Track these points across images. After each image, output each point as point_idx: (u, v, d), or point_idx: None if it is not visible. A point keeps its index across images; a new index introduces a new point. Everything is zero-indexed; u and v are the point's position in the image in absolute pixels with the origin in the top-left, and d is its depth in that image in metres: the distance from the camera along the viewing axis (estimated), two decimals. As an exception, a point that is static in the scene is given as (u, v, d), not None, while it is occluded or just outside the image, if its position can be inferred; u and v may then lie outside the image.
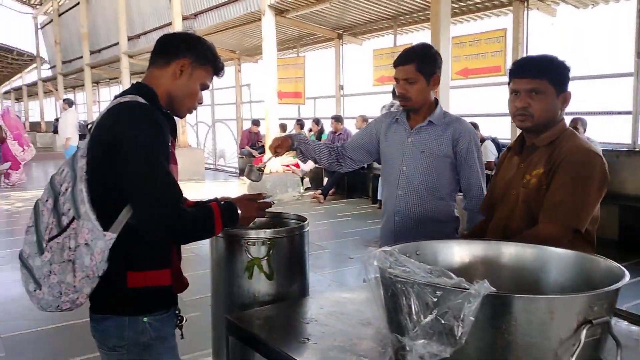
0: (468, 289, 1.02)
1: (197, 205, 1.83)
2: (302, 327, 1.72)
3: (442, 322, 1.03)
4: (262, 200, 1.93)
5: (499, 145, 8.07)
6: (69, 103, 14.10)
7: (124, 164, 1.56)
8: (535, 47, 8.31)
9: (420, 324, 1.06)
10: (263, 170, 2.46)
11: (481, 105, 9.52)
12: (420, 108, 2.46)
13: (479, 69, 8.57)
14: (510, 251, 1.46)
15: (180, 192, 1.63)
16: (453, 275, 1.11)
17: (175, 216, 1.57)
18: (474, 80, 8.88)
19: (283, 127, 12.54)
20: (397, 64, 2.43)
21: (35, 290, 1.61)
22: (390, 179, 2.53)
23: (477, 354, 1.06)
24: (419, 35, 10.85)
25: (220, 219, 1.70)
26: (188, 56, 1.75)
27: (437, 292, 1.05)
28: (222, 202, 1.79)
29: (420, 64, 2.37)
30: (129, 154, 1.56)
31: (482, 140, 8.25)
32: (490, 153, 7.88)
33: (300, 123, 12.42)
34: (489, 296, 1.03)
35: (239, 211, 1.78)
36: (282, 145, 2.45)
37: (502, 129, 8.80)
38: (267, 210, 1.96)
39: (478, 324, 1.03)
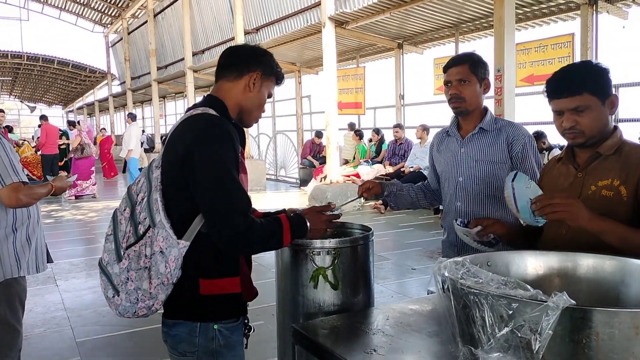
0: (546, 302, 0.98)
1: (266, 217, 1.85)
2: (368, 337, 1.71)
3: (519, 335, 0.99)
4: (330, 213, 1.94)
5: (567, 154, 7.76)
6: (133, 118, 14.77)
7: (196, 174, 1.61)
8: (605, 52, 7.98)
9: (495, 337, 1.03)
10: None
11: (548, 112, 9.19)
12: (472, 112, 2.41)
13: (546, 76, 8.23)
14: (588, 263, 1.39)
15: (250, 202, 1.66)
16: (529, 287, 1.07)
17: (245, 227, 1.60)
18: (540, 87, 8.59)
19: (352, 126, 12.56)
20: (449, 65, 2.40)
21: (113, 297, 1.67)
22: (448, 192, 2.49)
23: (556, 369, 1.02)
24: (481, 43, 10.66)
25: (290, 231, 1.72)
26: (259, 69, 1.81)
27: (513, 305, 1.02)
28: (292, 215, 1.81)
29: (474, 65, 2.36)
30: (201, 164, 1.61)
31: (550, 148, 7.98)
32: (558, 162, 7.59)
33: (359, 134, 12.42)
34: (568, 309, 0.99)
35: (308, 224, 1.80)
36: (372, 191, 2.44)
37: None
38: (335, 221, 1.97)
39: (556, 338, 0.99)
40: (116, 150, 25.04)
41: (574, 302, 0.99)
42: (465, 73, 2.35)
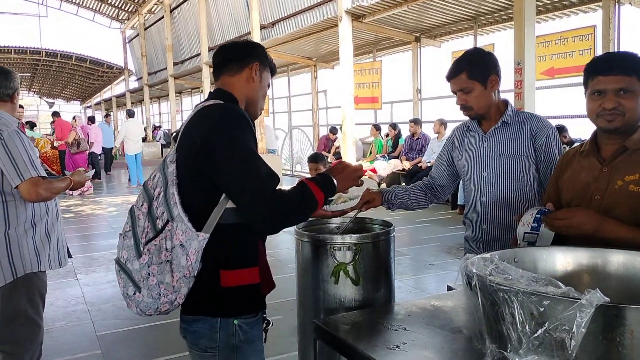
0: (579, 299, 0.95)
1: None
2: (390, 333, 1.69)
3: (551, 334, 0.97)
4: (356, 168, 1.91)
5: (588, 148, 7.65)
6: (130, 114, 14.93)
7: (219, 162, 1.61)
8: (627, 45, 7.84)
9: (526, 334, 1.00)
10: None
11: (569, 106, 9.08)
12: (487, 113, 2.37)
13: (567, 69, 8.18)
14: (618, 259, 1.36)
15: (279, 179, 1.66)
16: (560, 284, 1.05)
17: (277, 201, 1.59)
18: (560, 80, 8.49)
19: (377, 128, 12.48)
20: (448, 77, 2.37)
21: (134, 294, 1.67)
22: (472, 187, 2.45)
23: (588, 368, 1.00)
24: (500, 35, 10.53)
25: (318, 187, 1.70)
26: (257, 60, 1.86)
27: (544, 302, 1.00)
28: (314, 176, 1.79)
29: (471, 70, 2.29)
30: (223, 151, 1.61)
31: (571, 142, 7.87)
32: (578, 156, 7.49)
33: (377, 128, 12.37)
34: (602, 307, 0.96)
35: (334, 179, 1.78)
36: (372, 204, 2.37)
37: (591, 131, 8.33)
38: (352, 214, 1.95)
39: (589, 336, 0.97)
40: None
41: (607, 299, 0.97)
42: (463, 83, 2.30)
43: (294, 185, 1.72)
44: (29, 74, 35.53)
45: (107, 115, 18.37)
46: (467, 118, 2.48)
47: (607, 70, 1.73)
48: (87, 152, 13.00)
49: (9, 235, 2.51)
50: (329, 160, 12.66)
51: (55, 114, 14.44)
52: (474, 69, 2.29)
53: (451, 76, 2.34)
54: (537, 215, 1.72)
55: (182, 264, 1.61)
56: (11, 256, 2.51)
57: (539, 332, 1.01)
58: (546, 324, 0.97)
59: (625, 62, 1.73)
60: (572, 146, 7.57)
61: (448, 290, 2.48)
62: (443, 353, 1.49)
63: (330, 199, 1.99)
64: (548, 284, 1.06)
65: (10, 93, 2.59)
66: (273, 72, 1.97)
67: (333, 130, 13.39)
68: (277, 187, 1.64)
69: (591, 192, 1.81)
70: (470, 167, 2.45)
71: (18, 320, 2.58)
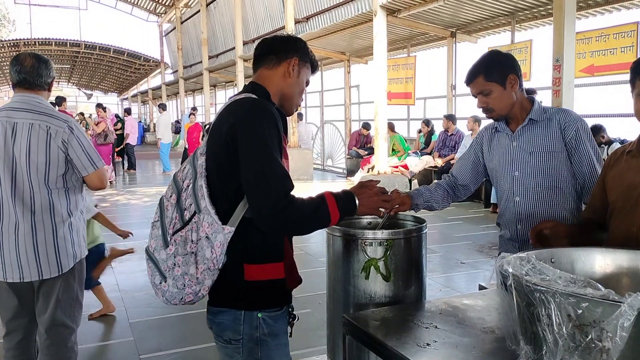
0: (620, 302, 0.92)
1: None
2: (420, 331, 1.68)
3: (590, 337, 0.94)
4: (383, 193, 1.90)
5: (628, 148, 7.43)
6: (163, 107, 15.06)
7: (239, 153, 1.61)
8: (673, 41, 7.56)
9: (563, 337, 0.98)
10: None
11: (610, 105, 8.84)
12: (510, 113, 2.32)
13: (607, 66, 7.95)
14: (660, 263, 1.32)
15: (292, 185, 1.64)
16: (600, 286, 1.02)
17: (284, 204, 1.57)
18: (601, 78, 8.26)
19: (391, 126, 12.39)
20: (467, 82, 2.34)
21: (160, 283, 1.69)
22: (504, 188, 2.41)
23: (628, 374, 0.97)
24: (539, 32, 10.30)
25: (337, 206, 1.67)
26: (296, 55, 1.84)
27: (582, 304, 0.97)
28: (338, 191, 1.76)
29: (487, 73, 2.26)
30: (243, 140, 1.61)
31: (609, 142, 7.66)
32: (618, 156, 7.28)
33: (390, 125, 12.17)
34: (643, 311, 0.93)
35: (357, 200, 1.75)
36: (403, 207, 2.30)
37: (634, 130, 8.09)
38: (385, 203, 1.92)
39: (630, 340, 0.94)
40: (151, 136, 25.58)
41: (650, 303, 0.93)
42: (482, 85, 2.27)
43: (315, 195, 1.69)
44: (69, 66, 36.37)
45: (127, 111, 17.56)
46: None
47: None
48: (111, 144, 13.10)
49: (71, 222, 2.59)
50: (360, 155, 12.62)
51: (100, 106, 14.61)
52: (491, 71, 2.26)
53: (469, 80, 2.32)
54: None
55: (206, 256, 1.62)
56: (73, 243, 2.60)
57: (574, 333, 0.98)
58: (585, 327, 0.94)
59: None
60: (610, 146, 7.31)
61: (480, 289, 2.45)
62: (475, 353, 1.47)
63: None
64: (587, 285, 1.03)
65: (50, 82, 2.66)
66: (314, 70, 1.94)
67: (366, 126, 13.34)
68: (298, 196, 1.62)
69: (637, 192, 1.76)
70: (501, 168, 2.41)
71: (74, 303, 2.69)
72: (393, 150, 12.00)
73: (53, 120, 2.50)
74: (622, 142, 7.61)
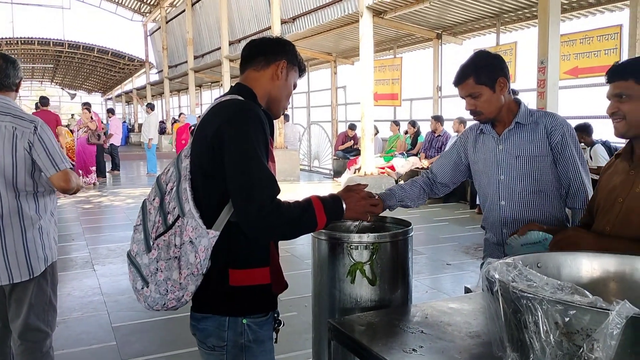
0: (608, 310, 0.91)
1: None
2: (406, 336, 1.66)
3: (577, 345, 0.93)
4: (370, 197, 1.89)
5: (610, 149, 7.50)
6: (151, 107, 14.87)
7: (225, 156, 1.58)
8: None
9: (550, 344, 0.96)
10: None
11: (594, 106, 8.92)
12: (498, 116, 2.32)
13: (591, 68, 8.03)
14: (647, 267, 1.31)
15: (279, 189, 1.61)
16: (587, 292, 1.00)
17: (270, 207, 1.54)
18: (585, 80, 8.34)
19: (396, 124, 12.36)
20: (455, 83, 2.32)
21: (142, 288, 1.65)
22: (489, 191, 2.40)
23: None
24: (524, 34, 10.38)
25: (324, 211, 1.65)
26: (285, 58, 1.82)
27: (570, 312, 0.95)
28: (325, 195, 1.74)
29: (477, 75, 2.24)
30: (229, 144, 1.57)
31: (591, 144, 7.73)
32: (600, 157, 7.34)
33: (396, 123, 12.28)
34: (632, 319, 0.91)
35: (344, 204, 1.73)
36: (376, 210, 2.15)
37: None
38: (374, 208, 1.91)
39: (617, 349, 0.92)
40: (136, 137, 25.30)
41: (638, 310, 0.92)
42: (471, 88, 2.25)
43: (302, 199, 1.66)
44: (52, 65, 36.03)
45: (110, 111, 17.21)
46: None
47: (608, 79, 1.78)
48: (98, 144, 12.91)
49: (41, 225, 2.54)
50: (347, 157, 12.63)
51: (87, 105, 14.37)
52: (482, 74, 2.24)
53: (458, 82, 2.30)
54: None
55: (190, 260, 1.59)
56: (43, 246, 2.55)
57: (561, 340, 0.97)
58: (572, 335, 0.93)
59: (624, 67, 1.76)
60: (593, 147, 7.35)
61: (466, 292, 2.44)
62: (461, 358, 1.46)
63: None
64: (574, 292, 1.01)
65: (18, 82, 2.61)
66: (302, 73, 1.92)
67: (351, 127, 13.35)
68: (284, 200, 1.59)
69: (616, 195, 1.80)
70: (486, 171, 2.40)
71: (48, 307, 2.64)
72: (390, 149, 11.97)
73: (19, 121, 2.45)
74: (604, 143, 7.68)
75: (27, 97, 43.13)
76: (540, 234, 1.95)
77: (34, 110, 12.43)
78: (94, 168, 12.51)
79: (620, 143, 7.46)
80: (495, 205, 2.38)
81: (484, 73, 2.24)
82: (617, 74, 1.75)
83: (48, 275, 2.60)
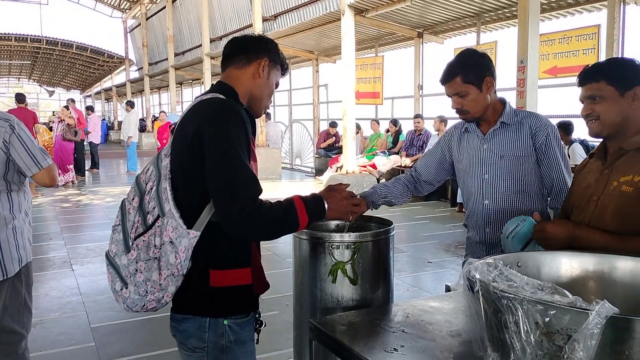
0: (587, 310, 0.91)
1: None
2: (387, 335, 1.66)
3: (558, 345, 0.93)
4: (352, 196, 1.88)
5: (588, 148, 7.62)
6: (131, 105, 14.69)
7: (205, 154, 1.56)
8: (632, 45, 7.79)
9: (530, 344, 0.96)
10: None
11: (572, 106, 9.04)
12: (484, 115, 2.32)
13: (570, 68, 8.13)
14: (625, 266, 1.32)
15: (260, 189, 1.59)
16: (567, 292, 1.00)
17: (252, 208, 1.52)
18: (563, 79, 8.44)
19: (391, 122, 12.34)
20: (442, 81, 2.31)
21: (121, 289, 1.62)
22: (473, 190, 2.41)
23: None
24: (503, 33, 10.47)
25: (305, 211, 1.64)
26: (266, 56, 1.80)
27: (550, 312, 0.95)
28: (307, 195, 1.73)
29: (465, 74, 2.23)
30: (210, 143, 1.55)
31: (571, 142, 7.83)
32: (578, 156, 7.45)
33: (377, 122, 12.33)
34: (611, 318, 0.92)
35: (326, 204, 1.72)
36: (360, 210, 2.16)
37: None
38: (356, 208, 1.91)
39: (597, 348, 0.93)
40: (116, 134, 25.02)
41: (617, 310, 0.93)
42: (459, 87, 2.25)
43: (283, 199, 1.65)
44: (29, 62, 35.43)
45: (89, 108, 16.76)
46: None
47: (580, 82, 1.84)
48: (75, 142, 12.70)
49: (15, 225, 2.49)
50: (329, 155, 12.63)
51: (72, 102, 14.09)
52: (469, 73, 2.24)
53: (445, 80, 2.29)
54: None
55: (170, 261, 1.56)
56: (17, 246, 2.50)
57: (541, 340, 0.97)
58: (553, 335, 0.93)
59: (595, 69, 1.81)
60: (571, 146, 7.50)
61: (446, 290, 2.45)
62: (442, 357, 1.45)
63: None
64: (554, 292, 1.02)
65: None
66: (284, 72, 1.90)
67: (333, 124, 13.35)
68: (266, 199, 1.57)
69: (590, 193, 1.83)
70: (470, 170, 2.40)
71: (23, 308, 2.60)
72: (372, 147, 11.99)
73: None
74: (582, 142, 7.79)
75: (3, 94, 42.40)
76: (516, 218, 1.94)
77: (11, 108, 12.16)
78: (71, 166, 12.29)
79: (598, 143, 7.54)
80: (478, 205, 2.39)
81: (472, 72, 2.24)
82: (588, 76, 1.79)
83: (22, 276, 2.56)
